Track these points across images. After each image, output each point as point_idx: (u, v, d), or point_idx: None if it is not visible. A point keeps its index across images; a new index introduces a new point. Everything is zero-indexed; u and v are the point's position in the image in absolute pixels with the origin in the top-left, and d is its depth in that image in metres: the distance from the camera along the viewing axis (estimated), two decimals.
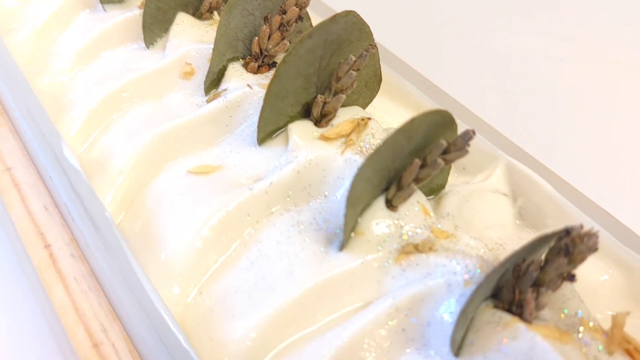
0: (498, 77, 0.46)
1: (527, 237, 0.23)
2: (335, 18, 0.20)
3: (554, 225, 0.23)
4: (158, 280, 0.20)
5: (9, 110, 0.26)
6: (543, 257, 0.17)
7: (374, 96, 0.24)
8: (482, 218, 0.23)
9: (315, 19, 0.25)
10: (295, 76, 0.21)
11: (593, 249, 0.16)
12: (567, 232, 0.16)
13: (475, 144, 0.25)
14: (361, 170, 0.18)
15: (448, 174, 0.22)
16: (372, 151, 0.17)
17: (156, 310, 0.18)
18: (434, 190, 0.22)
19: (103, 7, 0.28)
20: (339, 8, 0.23)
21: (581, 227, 0.16)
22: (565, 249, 0.16)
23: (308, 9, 0.26)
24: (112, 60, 0.27)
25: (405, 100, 0.27)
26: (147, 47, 0.26)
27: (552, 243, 0.16)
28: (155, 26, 0.26)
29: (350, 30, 0.21)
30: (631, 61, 0.57)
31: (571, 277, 0.16)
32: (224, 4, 0.27)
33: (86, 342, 0.18)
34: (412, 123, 0.18)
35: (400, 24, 0.49)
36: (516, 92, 0.44)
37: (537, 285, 0.16)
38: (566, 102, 0.44)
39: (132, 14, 0.27)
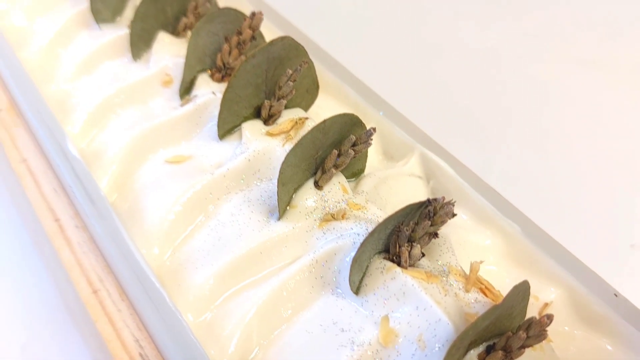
0: (459, 73, 0.51)
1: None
2: (273, 42, 0.26)
3: (457, 199, 0.29)
4: (142, 243, 0.26)
5: (23, 112, 0.32)
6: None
7: (314, 99, 0.30)
8: (399, 196, 0.29)
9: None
10: (246, 86, 0.27)
11: (450, 214, 0.22)
12: (429, 201, 0.22)
13: (397, 136, 0.31)
14: (287, 158, 0.24)
15: (365, 161, 0.28)
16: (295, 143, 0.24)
17: (137, 262, 0.24)
18: (355, 174, 0.28)
19: (98, 26, 0.34)
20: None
21: (443, 198, 0.22)
22: (428, 215, 0.22)
23: (271, 24, 0.32)
24: (107, 71, 0.33)
25: (346, 101, 0.33)
26: (135, 60, 0.32)
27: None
28: (141, 43, 0.32)
29: (288, 50, 0.27)
30: (590, 57, 0.62)
31: (435, 235, 0.22)
32: (194, 19, 0.33)
33: (87, 289, 0.25)
34: (324, 123, 0.24)
35: (347, 34, 0.55)
36: (472, 88, 0.50)
37: (411, 241, 0.22)
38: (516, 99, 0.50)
39: (123, 33, 0.33)
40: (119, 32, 0.34)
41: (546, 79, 0.57)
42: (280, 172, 0.24)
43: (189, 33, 0.33)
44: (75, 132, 0.30)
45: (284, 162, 0.24)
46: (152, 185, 0.27)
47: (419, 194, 0.29)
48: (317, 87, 0.30)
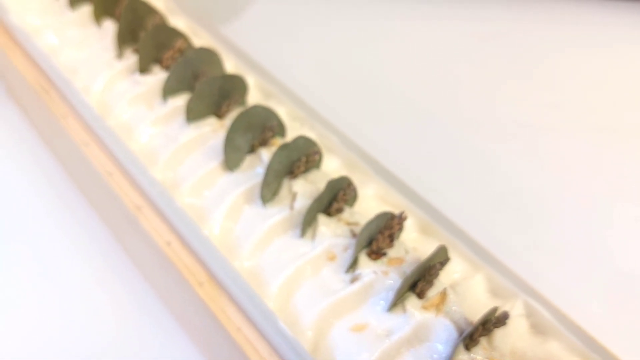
0: (502, 154, 0.63)
1: (536, 341, 0.41)
2: (432, 254, 0.37)
3: (552, 329, 0.41)
4: None
5: (224, 285, 0.42)
6: None
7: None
8: (512, 337, 0.40)
9: None
10: (409, 277, 0.38)
11: None
12: None
13: (502, 283, 0.43)
14: (457, 346, 0.35)
15: None
16: (462, 337, 0.35)
17: None
18: None
19: (264, 205, 0.45)
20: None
21: None
22: None
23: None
24: (280, 248, 0.43)
25: (458, 251, 0.44)
26: (302, 236, 0.43)
27: None
28: (307, 226, 0.43)
29: (437, 255, 0.38)
30: (616, 125, 0.74)
31: None
32: (344, 206, 0.44)
33: None
34: (484, 318, 0.35)
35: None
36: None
37: None
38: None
39: (287, 213, 0.44)
40: (282, 212, 0.44)
41: (579, 151, 0.69)
42: (454, 353, 0.35)
43: (339, 214, 0.44)
44: (271, 306, 0.41)
45: (456, 349, 0.35)
46: (343, 349, 0.39)
47: (524, 333, 0.41)
48: (448, 258, 0.41)
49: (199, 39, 0.59)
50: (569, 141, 0.69)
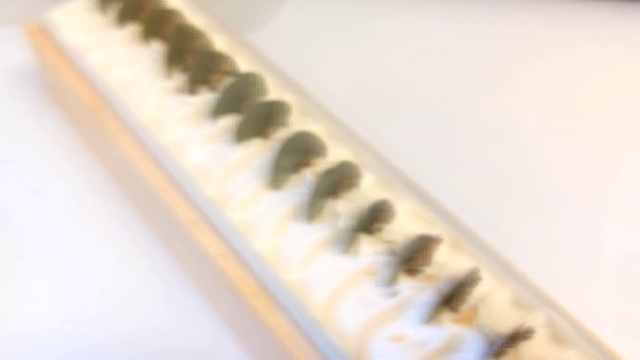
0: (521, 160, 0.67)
1: (556, 350, 0.46)
2: (462, 277, 0.42)
3: (570, 338, 0.46)
4: None
5: (272, 296, 0.47)
6: None
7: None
8: (535, 345, 0.45)
9: None
10: (444, 295, 0.43)
11: None
12: None
13: (525, 295, 0.47)
14: (486, 358, 0.40)
15: None
16: (492, 349, 0.40)
17: None
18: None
19: (309, 223, 0.50)
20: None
21: None
22: None
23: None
24: (324, 262, 0.48)
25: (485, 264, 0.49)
26: (345, 253, 0.48)
27: None
28: (351, 245, 0.47)
29: (470, 276, 0.43)
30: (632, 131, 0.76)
31: None
32: (383, 225, 0.48)
33: None
34: (505, 342, 0.40)
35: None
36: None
37: None
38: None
39: (330, 231, 0.49)
40: (325, 230, 0.49)
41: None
42: None
43: (378, 233, 0.48)
44: (319, 316, 0.46)
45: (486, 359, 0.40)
46: (384, 357, 0.43)
47: (546, 342, 0.45)
48: (480, 278, 0.45)
49: (241, 59, 0.63)
50: (583, 149, 0.73)
